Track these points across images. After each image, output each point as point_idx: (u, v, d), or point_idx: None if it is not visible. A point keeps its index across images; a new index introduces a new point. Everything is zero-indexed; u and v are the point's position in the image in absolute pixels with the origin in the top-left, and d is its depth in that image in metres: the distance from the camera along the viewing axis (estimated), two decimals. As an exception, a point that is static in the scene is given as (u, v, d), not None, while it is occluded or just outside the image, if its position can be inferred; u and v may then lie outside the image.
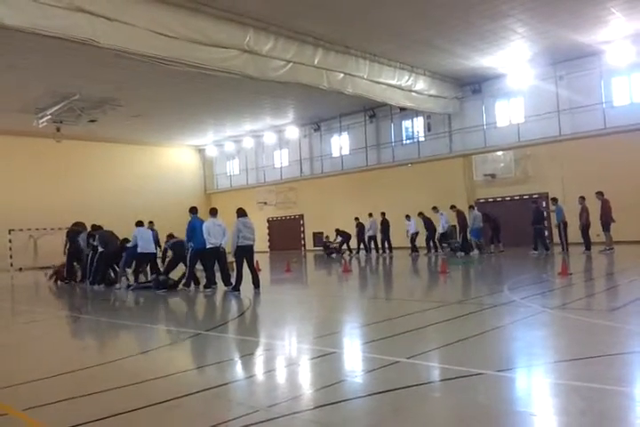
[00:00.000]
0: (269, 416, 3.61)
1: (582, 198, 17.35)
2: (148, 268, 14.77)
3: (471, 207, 20.77)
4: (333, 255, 23.46)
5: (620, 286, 9.94)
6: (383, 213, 23.01)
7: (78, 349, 6.89)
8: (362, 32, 17.28)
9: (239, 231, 11.09)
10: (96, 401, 4.20)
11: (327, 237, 25.79)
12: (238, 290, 11.09)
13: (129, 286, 13.41)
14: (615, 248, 16.88)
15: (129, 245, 13.69)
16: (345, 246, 24.54)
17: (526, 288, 9.77)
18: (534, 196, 22.59)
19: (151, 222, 16.99)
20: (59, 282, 16.34)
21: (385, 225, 22.67)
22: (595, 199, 17.16)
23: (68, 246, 16.55)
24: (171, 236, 15.85)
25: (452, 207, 20.86)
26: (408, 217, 22.09)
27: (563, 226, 17.89)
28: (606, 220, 16.80)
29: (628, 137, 20.14)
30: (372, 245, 23.18)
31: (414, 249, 21.59)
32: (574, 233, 17.60)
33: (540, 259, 16.59)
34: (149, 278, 14.04)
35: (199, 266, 12.52)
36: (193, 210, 12.72)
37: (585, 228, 17.12)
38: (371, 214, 23.28)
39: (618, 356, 4.75)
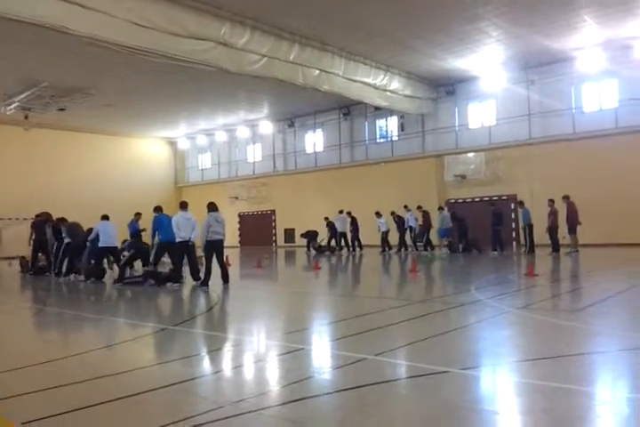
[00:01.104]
0: (235, 412, 3.58)
1: (551, 201, 17.66)
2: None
3: (440, 208, 21.02)
4: (326, 253, 22.64)
5: (584, 287, 10.15)
6: (349, 213, 23.08)
7: (41, 341, 6.76)
8: (338, 29, 17.28)
9: (210, 226, 11.00)
10: (59, 395, 4.12)
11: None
12: (207, 285, 11.00)
13: (115, 280, 12.56)
14: (580, 251, 17.24)
15: (89, 238, 13.48)
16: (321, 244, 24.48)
17: (493, 288, 9.92)
18: (503, 197, 23.00)
19: (139, 214, 16.58)
20: (25, 273, 16.03)
21: (354, 224, 22.74)
22: (561, 202, 17.49)
23: (33, 237, 16.23)
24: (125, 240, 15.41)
25: (419, 207, 21.07)
26: (379, 214, 22.12)
27: (528, 228, 18.23)
28: (572, 222, 17.13)
29: (596, 142, 20.60)
30: (343, 243, 23.20)
31: (387, 247, 21.70)
32: (541, 235, 17.92)
33: (503, 259, 16.84)
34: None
35: (166, 259, 12.42)
36: (158, 209, 12.68)
37: (552, 230, 17.43)
38: (341, 211, 23.32)
39: (580, 356, 4.86)
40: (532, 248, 18.12)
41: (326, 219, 23.68)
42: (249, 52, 16.21)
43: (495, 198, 23.09)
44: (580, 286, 10.39)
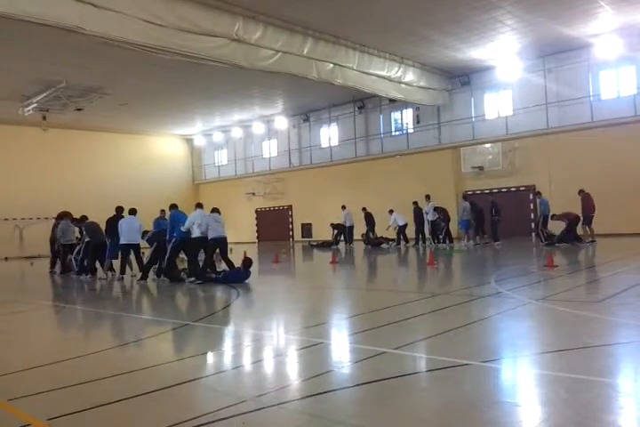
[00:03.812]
0: (257, 406, 3.61)
1: (553, 215, 17.64)
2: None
3: (464, 198, 20.63)
4: (384, 245, 22.06)
5: (604, 278, 10.03)
6: (364, 209, 23.00)
7: (63, 339, 6.86)
8: (351, 22, 17.20)
9: (207, 224, 11.68)
10: (81, 392, 4.18)
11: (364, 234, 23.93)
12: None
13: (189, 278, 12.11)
14: (598, 240, 17.07)
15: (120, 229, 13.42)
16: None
17: (512, 280, 9.85)
18: (521, 188, 22.81)
19: (163, 211, 16.69)
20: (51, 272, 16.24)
21: (369, 219, 22.68)
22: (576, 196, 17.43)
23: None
24: (146, 231, 15.43)
25: (436, 209, 20.60)
26: (391, 212, 21.95)
27: (543, 219, 18.10)
28: (587, 214, 17.05)
29: (614, 130, 20.30)
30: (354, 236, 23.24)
31: (403, 240, 21.59)
32: (555, 226, 17.80)
33: (520, 251, 16.70)
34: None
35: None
36: (173, 206, 12.95)
37: (572, 222, 17.34)
38: (344, 207, 23.25)
39: (602, 347, 4.81)
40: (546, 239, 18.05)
41: (332, 225, 23.76)
42: (262, 48, 16.22)
43: (513, 189, 22.96)
44: (600, 277, 10.27)
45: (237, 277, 11.23)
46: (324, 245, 24.01)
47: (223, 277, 11.27)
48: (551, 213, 17.70)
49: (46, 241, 17.40)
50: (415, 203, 21.37)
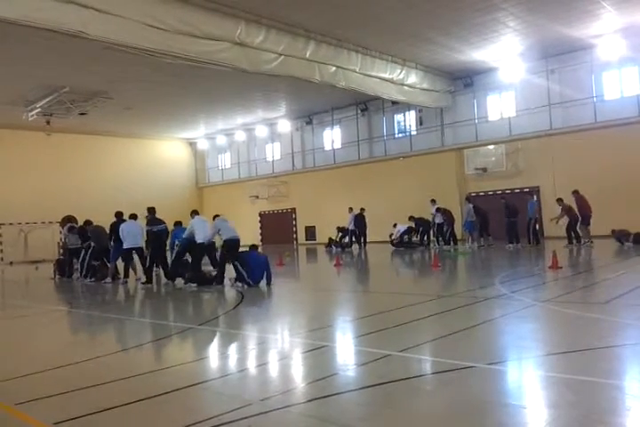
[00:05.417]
0: (262, 410, 3.61)
1: (560, 200, 17.78)
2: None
3: (467, 199, 20.58)
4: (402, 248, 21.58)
5: (609, 279, 9.99)
6: (362, 209, 22.94)
7: (69, 343, 6.87)
8: (354, 24, 17.21)
9: (218, 227, 11.64)
10: (88, 395, 4.19)
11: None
12: (222, 284, 11.25)
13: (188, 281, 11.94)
14: (595, 242, 17.19)
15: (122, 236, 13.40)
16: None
17: (517, 281, 9.82)
18: (525, 189, 22.75)
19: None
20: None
21: (359, 220, 22.64)
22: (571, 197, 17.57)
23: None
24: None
25: (438, 210, 20.57)
26: (395, 225, 21.89)
27: (533, 221, 18.20)
28: (584, 215, 17.20)
29: (618, 131, 20.25)
30: (354, 239, 23.19)
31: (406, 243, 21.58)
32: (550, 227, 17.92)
33: (523, 252, 16.67)
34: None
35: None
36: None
37: (570, 225, 17.42)
38: (351, 209, 23.21)
39: (607, 349, 4.79)
40: (537, 240, 18.16)
41: (338, 228, 23.68)
42: (265, 51, 16.24)
43: (517, 191, 22.89)
44: (605, 278, 10.23)
45: (256, 261, 10.94)
46: (340, 246, 23.44)
47: (246, 273, 10.80)
48: (556, 197, 17.98)
49: (52, 245, 17.45)
50: (411, 217, 21.25)
